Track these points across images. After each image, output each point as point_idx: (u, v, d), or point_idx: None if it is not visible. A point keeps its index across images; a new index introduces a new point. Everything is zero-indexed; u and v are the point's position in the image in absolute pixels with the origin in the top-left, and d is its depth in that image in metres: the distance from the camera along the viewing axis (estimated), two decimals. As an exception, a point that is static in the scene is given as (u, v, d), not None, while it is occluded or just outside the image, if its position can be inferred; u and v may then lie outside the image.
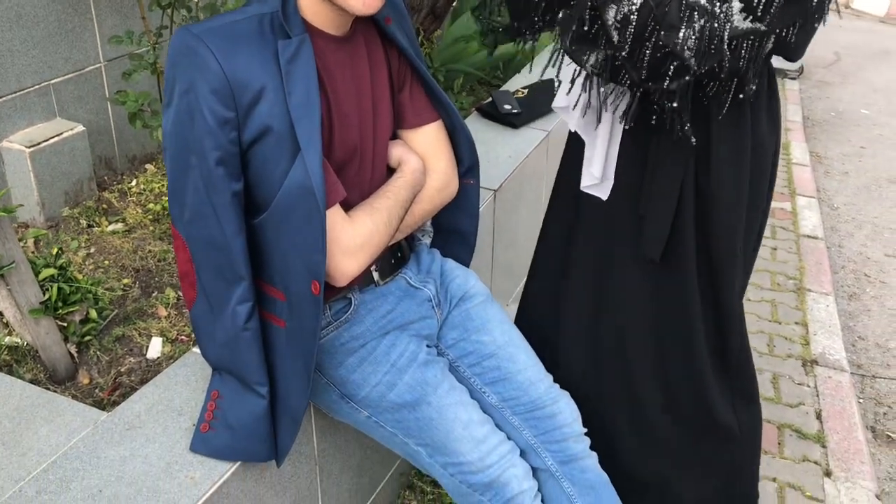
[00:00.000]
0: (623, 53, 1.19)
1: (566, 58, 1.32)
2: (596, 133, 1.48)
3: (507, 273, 2.50)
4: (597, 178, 1.50)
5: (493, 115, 2.64)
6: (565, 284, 1.64)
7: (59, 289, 1.67)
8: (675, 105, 1.24)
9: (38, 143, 2.27)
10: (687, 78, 1.19)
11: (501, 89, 2.82)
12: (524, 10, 1.40)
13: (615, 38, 1.19)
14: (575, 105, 1.45)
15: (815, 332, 2.82)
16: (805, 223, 3.66)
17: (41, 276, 1.65)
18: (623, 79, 1.26)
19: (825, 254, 3.40)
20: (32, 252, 2.14)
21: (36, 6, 2.25)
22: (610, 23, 1.18)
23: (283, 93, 1.18)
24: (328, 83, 1.28)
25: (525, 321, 1.73)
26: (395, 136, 1.47)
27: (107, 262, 2.17)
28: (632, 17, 1.16)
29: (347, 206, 1.33)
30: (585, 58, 1.25)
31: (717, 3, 1.15)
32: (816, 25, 1.26)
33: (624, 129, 1.44)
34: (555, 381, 1.54)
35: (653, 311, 1.54)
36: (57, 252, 1.76)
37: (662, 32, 1.15)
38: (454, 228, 1.63)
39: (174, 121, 1.19)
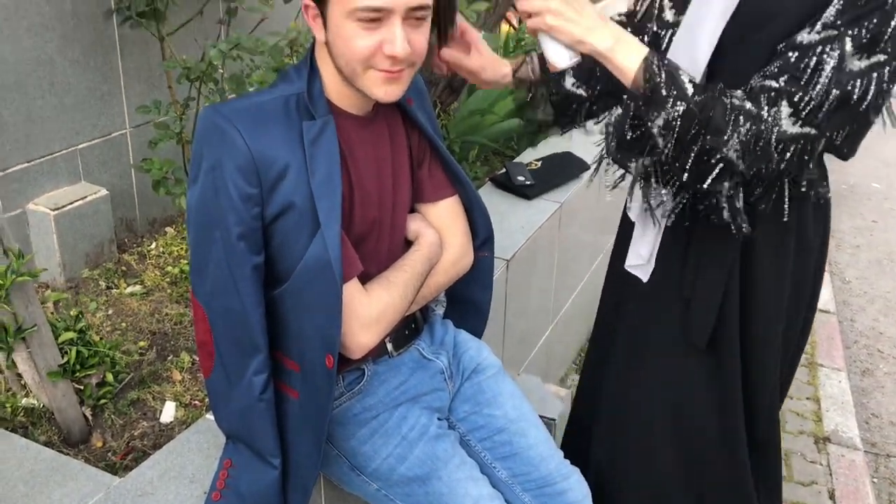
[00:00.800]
0: (668, 158, 1.19)
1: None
2: (647, 220, 1.49)
3: (519, 342, 2.52)
4: (644, 258, 1.51)
5: (507, 186, 2.69)
6: (603, 369, 1.66)
7: (78, 352, 1.70)
8: (725, 206, 1.23)
9: (63, 206, 2.33)
10: (735, 180, 1.19)
11: (515, 161, 2.88)
12: (566, 108, 1.44)
13: (660, 143, 1.19)
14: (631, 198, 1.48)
15: (827, 408, 2.80)
16: (817, 297, 3.67)
17: (60, 339, 1.68)
18: (671, 181, 1.26)
19: (837, 328, 3.39)
20: (52, 313, 2.18)
21: (69, 75, 2.34)
22: (655, 130, 1.18)
23: (306, 171, 1.23)
24: (350, 161, 1.32)
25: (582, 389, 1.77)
26: (412, 210, 1.51)
27: (124, 324, 2.20)
28: (675, 123, 1.16)
29: (366, 278, 1.36)
30: (631, 164, 1.26)
31: (765, 107, 1.15)
32: (868, 128, 1.24)
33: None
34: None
35: (681, 401, 1.53)
36: (77, 315, 1.79)
37: (708, 136, 1.15)
38: (468, 299, 1.66)
39: (199, 196, 1.23)
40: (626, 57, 1.20)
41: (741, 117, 1.15)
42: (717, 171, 1.18)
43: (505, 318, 2.32)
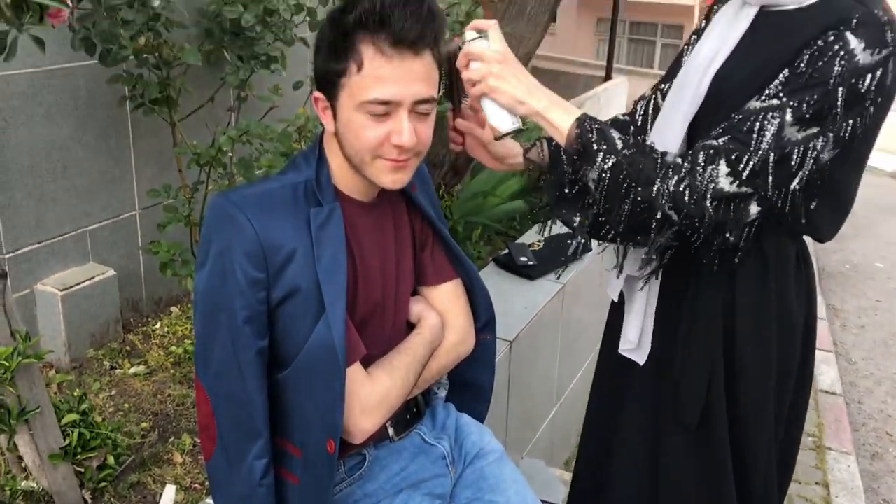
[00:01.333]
0: (603, 210, 1.25)
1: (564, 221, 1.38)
2: (633, 299, 1.52)
3: (522, 424, 2.50)
4: (633, 342, 1.53)
5: (510, 266, 2.72)
6: (613, 460, 1.64)
7: (80, 434, 1.69)
8: (654, 258, 1.28)
9: (71, 287, 2.35)
10: (671, 231, 1.23)
11: (518, 241, 2.91)
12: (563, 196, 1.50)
13: (595, 196, 1.25)
14: (616, 269, 1.50)
15: (836, 493, 2.75)
16: (823, 378, 3.63)
17: (63, 421, 1.68)
18: (607, 234, 1.31)
19: (844, 410, 3.36)
20: (55, 394, 2.18)
21: (81, 159, 2.40)
22: (589, 183, 1.25)
23: (312, 256, 1.25)
24: (355, 245, 1.35)
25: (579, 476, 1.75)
26: (415, 292, 1.53)
27: (127, 405, 2.20)
28: (605, 175, 1.23)
29: (368, 360, 1.37)
30: (575, 218, 1.32)
31: (702, 163, 1.20)
32: (840, 211, 1.29)
33: (658, 298, 1.48)
34: None
35: (694, 479, 1.52)
36: (81, 396, 1.80)
37: (639, 188, 1.21)
38: (470, 382, 1.66)
39: (207, 280, 1.25)
40: (561, 116, 1.28)
41: (670, 170, 1.21)
42: (653, 223, 1.22)
43: (508, 400, 2.32)
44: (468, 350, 1.55)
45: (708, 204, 1.20)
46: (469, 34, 1.30)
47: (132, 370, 2.38)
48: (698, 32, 1.45)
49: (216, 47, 2.45)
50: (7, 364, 1.48)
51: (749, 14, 1.31)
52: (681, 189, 1.20)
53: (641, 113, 1.58)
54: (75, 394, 1.84)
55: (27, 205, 2.28)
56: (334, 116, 1.26)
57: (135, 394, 2.26)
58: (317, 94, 1.27)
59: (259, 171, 2.22)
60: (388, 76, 1.19)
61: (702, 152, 1.21)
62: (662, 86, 1.55)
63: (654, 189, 1.20)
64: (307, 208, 1.28)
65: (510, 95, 1.28)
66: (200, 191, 2.30)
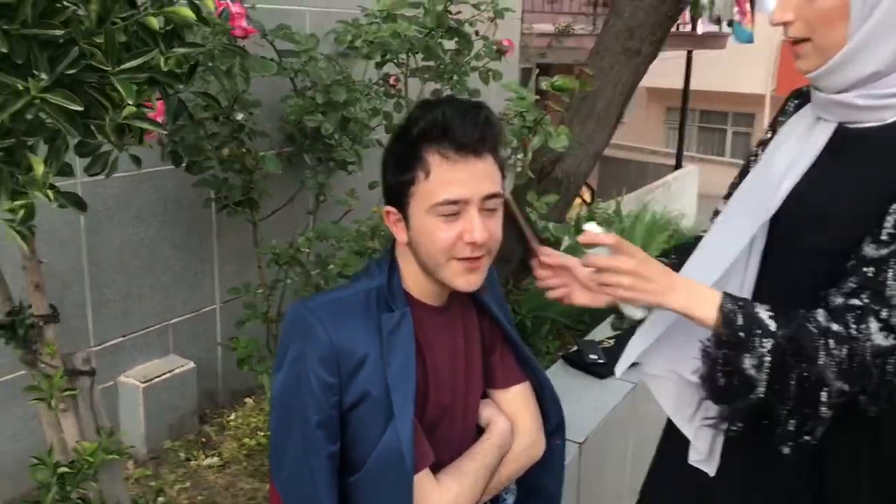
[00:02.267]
0: (770, 394, 1.20)
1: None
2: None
3: (592, 528, 2.43)
4: (703, 453, 1.48)
5: (579, 364, 2.69)
6: None
7: (155, 529, 1.73)
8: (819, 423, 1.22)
9: (152, 379, 2.44)
10: (843, 399, 1.19)
11: (587, 338, 2.89)
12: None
13: (757, 383, 1.20)
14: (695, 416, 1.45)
15: None
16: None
17: (140, 517, 1.72)
18: (779, 417, 1.25)
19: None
20: (133, 483, 2.24)
21: (167, 256, 2.53)
22: (747, 372, 1.20)
23: (382, 361, 1.29)
24: (426, 349, 1.38)
25: None
26: (483, 395, 1.54)
27: (200, 497, 2.24)
28: (765, 360, 1.18)
29: (437, 465, 1.38)
30: (737, 405, 1.27)
31: (853, 325, 1.17)
32: None
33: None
34: None
35: None
36: (158, 491, 1.84)
37: (803, 365, 1.17)
38: (539, 488, 1.64)
39: (282, 384, 1.30)
40: (702, 309, 1.24)
41: (831, 340, 1.17)
42: (822, 395, 1.18)
43: (578, 504, 2.27)
44: (538, 455, 1.54)
45: (870, 362, 1.17)
46: (592, 228, 1.30)
47: (206, 462, 2.43)
48: (764, 144, 1.45)
49: (297, 150, 2.58)
50: (91, 460, 1.54)
51: (825, 130, 1.28)
52: (844, 356, 1.17)
53: None
54: (153, 485, 1.89)
55: (115, 300, 2.40)
56: (406, 226, 1.32)
57: (208, 486, 2.30)
58: (388, 207, 1.33)
59: (331, 267, 2.30)
60: (454, 179, 1.25)
61: (849, 314, 1.19)
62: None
63: (821, 363, 1.17)
64: (378, 314, 1.32)
65: (645, 302, 1.28)
66: (278, 289, 2.39)
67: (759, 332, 1.19)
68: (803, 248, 1.28)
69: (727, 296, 1.24)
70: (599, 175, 9.80)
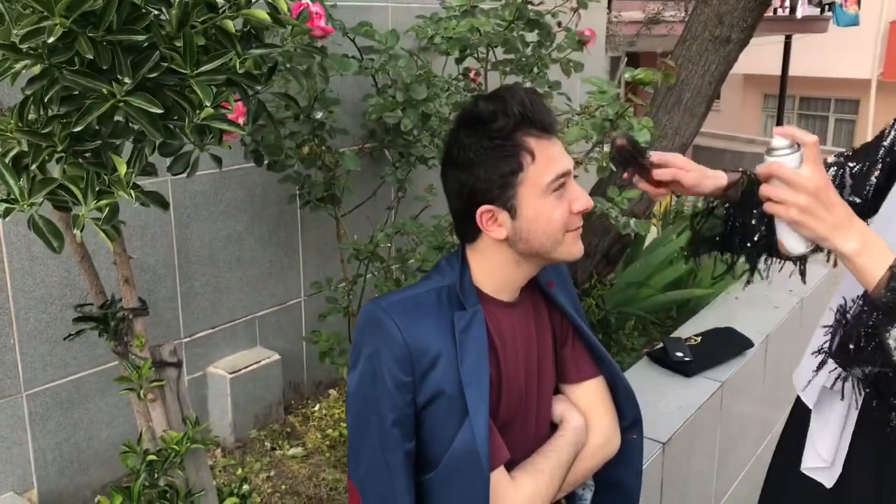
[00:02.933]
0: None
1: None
2: (831, 407, 1.38)
3: (676, 530, 2.38)
4: (826, 460, 1.39)
5: (664, 361, 2.63)
6: None
7: (239, 517, 1.78)
8: None
9: (239, 370, 2.52)
10: None
11: (673, 335, 2.82)
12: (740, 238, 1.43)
13: (894, 357, 1.12)
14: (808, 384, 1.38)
15: None
16: None
17: None
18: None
19: None
20: (220, 471, 2.32)
21: (254, 250, 2.59)
22: (890, 342, 1.12)
23: (455, 359, 1.29)
24: (498, 346, 1.37)
25: None
26: (556, 390, 1.52)
27: (284, 486, 2.30)
28: None
29: (512, 463, 1.37)
30: (853, 370, 1.19)
31: None
32: None
33: (861, 412, 1.33)
34: None
35: None
36: (242, 479, 1.90)
37: None
38: (616, 483, 1.61)
39: (358, 382, 1.31)
40: (871, 261, 1.14)
41: None
42: None
43: (661, 505, 2.22)
44: (613, 451, 1.52)
45: None
46: (778, 141, 1.17)
47: (290, 451, 2.48)
48: None
49: (378, 146, 2.61)
50: (177, 448, 1.59)
51: None
52: None
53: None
54: (238, 473, 1.95)
55: (204, 293, 2.48)
56: (511, 217, 1.31)
57: (292, 475, 2.36)
58: (483, 207, 1.31)
59: (410, 261, 2.32)
60: (554, 154, 1.30)
61: None
62: (851, 164, 1.47)
63: None
64: (450, 312, 1.32)
65: (814, 232, 1.16)
66: (359, 283, 2.42)
67: None
68: None
69: None
70: (691, 166, 9.51)
